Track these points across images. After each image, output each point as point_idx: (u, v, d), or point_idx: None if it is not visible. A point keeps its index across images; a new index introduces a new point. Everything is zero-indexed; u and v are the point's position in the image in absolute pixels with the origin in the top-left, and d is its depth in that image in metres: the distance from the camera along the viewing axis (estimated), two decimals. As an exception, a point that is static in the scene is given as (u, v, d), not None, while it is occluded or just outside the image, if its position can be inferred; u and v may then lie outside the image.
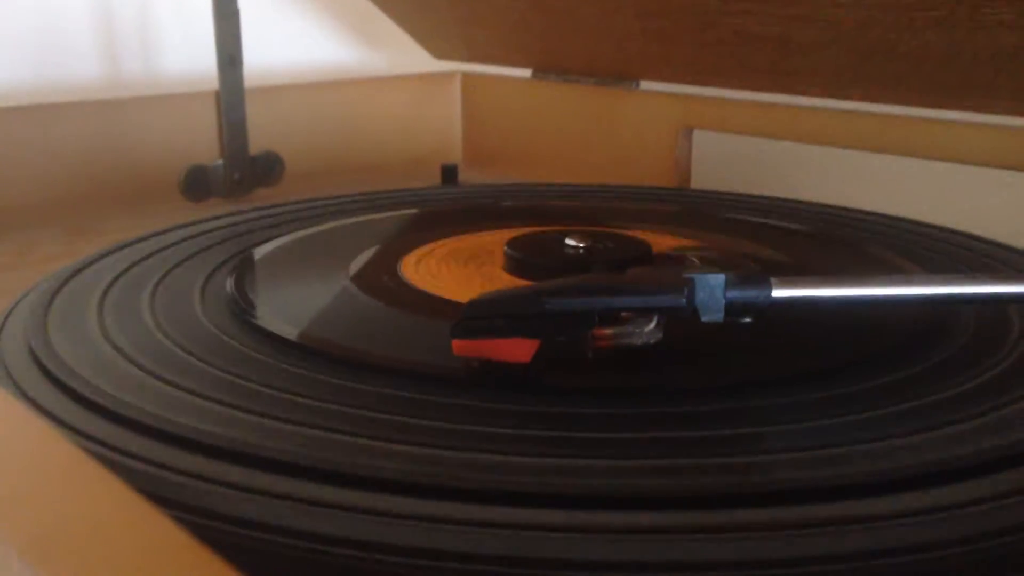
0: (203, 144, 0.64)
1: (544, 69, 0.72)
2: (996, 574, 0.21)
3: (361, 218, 0.49)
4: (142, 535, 0.17)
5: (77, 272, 0.39)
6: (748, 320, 0.29)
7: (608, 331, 0.29)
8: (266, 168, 0.64)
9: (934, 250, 0.43)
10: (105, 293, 0.37)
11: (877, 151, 0.54)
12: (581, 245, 0.39)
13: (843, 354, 0.32)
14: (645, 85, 0.66)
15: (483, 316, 0.29)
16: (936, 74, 0.48)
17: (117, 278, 0.39)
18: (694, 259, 0.36)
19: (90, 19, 0.68)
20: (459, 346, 0.29)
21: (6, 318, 0.35)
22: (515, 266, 0.38)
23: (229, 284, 0.37)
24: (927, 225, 0.47)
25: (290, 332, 0.33)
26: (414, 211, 0.52)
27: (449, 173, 0.62)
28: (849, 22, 0.47)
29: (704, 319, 0.28)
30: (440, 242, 0.43)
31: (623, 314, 0.29)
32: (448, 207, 0.53)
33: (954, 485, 0.23)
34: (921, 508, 0.22)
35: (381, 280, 0.38)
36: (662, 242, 0.43)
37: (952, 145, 0.52)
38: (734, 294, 0.28)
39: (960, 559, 0.21)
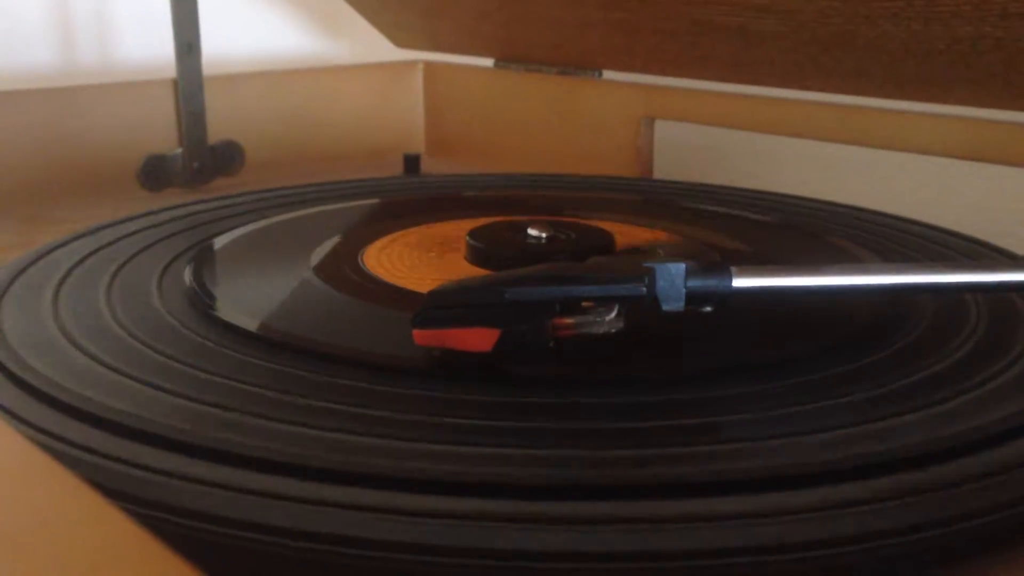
0: (161, 133, 0.63)
1: (506, 58, 0.72)
2: (956, 558, 0.22)
3: (322, 208, 0.49)
4: (93, 528, 0.16)
5: (32, 262, 0.39)
6: (708, 309, 0.29)
7: (569, 320, 0.29)
8: (226, 158, 0.64)
9: (892, 239, 0.44)
10: (60, 284, 0.36)
11: (836, 141, 0.55)
12: (543, 235, 0.39)
13: (802, 344, 0.32)
14: (607, 75, 0.67)
15: (444, 306, 0.29)
16: (894, 65, 0.48)
17: (73, 268, 0.38)
18: (659, 251, 0.36)
19: (45, 4, 0.66)
20: (420, 336, 0.29)
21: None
22: (477, 256, 0.38)
23: (187, 275, 0.37)
24: (885, 215, 0.48)
25: (249, 323, 0.32)
26: (376, 201, 0.52)
27: (412, 163, 0.62)
28: (808, 13, 0.47)
29: (665, 308, 0.28)
30: (402, 232, 0.43)
31: (584, 303, 0.29)
32: (410, 197, 0.53)
33: (913, 472, 0.24)
34: (887, 494, 0.23)
35: (343, 270, 0.38)
36: (624, 232, 0.43)
37: (910, 135, 0.52)
38: (694, 283, 0.28)
39: (923, 544, 0.21)
